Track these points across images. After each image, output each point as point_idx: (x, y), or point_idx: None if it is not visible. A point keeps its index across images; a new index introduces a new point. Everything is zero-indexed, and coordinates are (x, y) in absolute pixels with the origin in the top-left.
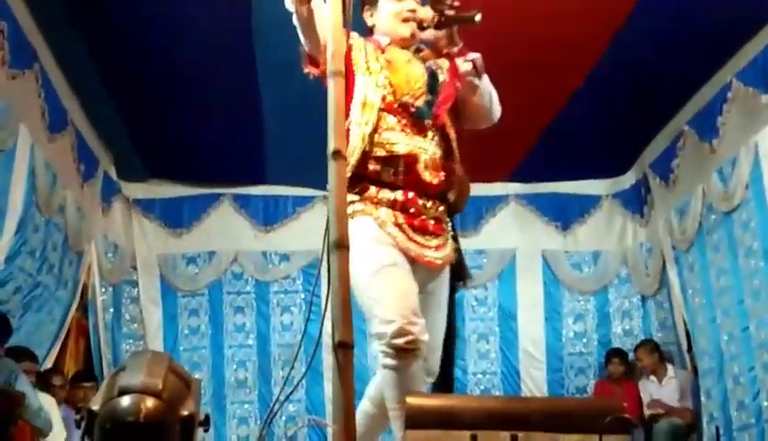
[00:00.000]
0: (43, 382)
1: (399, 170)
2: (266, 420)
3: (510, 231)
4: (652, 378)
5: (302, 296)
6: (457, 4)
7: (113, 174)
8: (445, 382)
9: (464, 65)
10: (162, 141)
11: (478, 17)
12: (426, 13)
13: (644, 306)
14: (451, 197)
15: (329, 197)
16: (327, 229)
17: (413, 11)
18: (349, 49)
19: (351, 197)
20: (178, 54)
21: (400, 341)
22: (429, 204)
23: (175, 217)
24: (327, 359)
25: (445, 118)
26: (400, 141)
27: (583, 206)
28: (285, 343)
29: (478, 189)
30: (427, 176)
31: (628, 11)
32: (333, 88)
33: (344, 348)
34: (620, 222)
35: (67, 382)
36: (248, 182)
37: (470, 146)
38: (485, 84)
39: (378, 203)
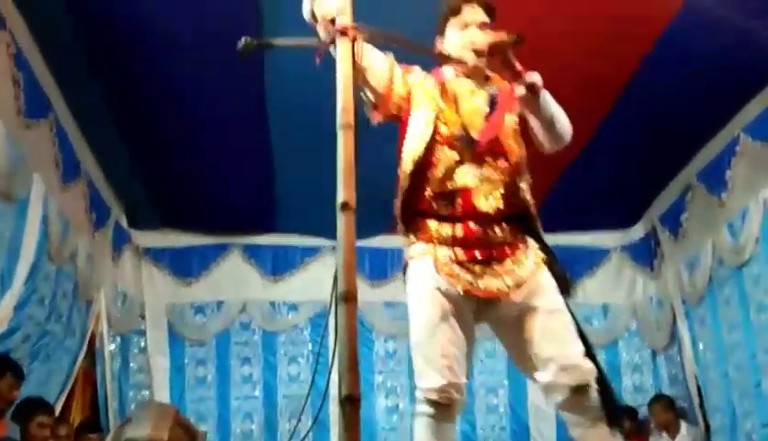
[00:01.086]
0: (51, 433)
1: (456, 202)
2: None
3: None
4: (664, 435)
5: (310, 346)
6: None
7: (124, 222)
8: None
9: (519, 89)
10: (172, 190)
11: (518, 39)
12: (480, 39)
13: (654, 361)
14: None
15: (337, 248)
16: (335, 280)
17: (473, 41)
18: (409, 88)
19: (410, 238)
20: (190, 104)
21: (433, 396)
22: (493, 231)
23: (185, 266)
24: (334, 412)
25: (504, 145)
26: (457, 172)
27: (593, 258)
28: (291, 394)
29: None
30: (483, 205)
31: (637, 66)
32: (343, 140)
33: (350, 401)
34: (630, 275)
35: (73, 432)
36: (257, 231)
37: None
38: (545, 105)
39: (437, 240)
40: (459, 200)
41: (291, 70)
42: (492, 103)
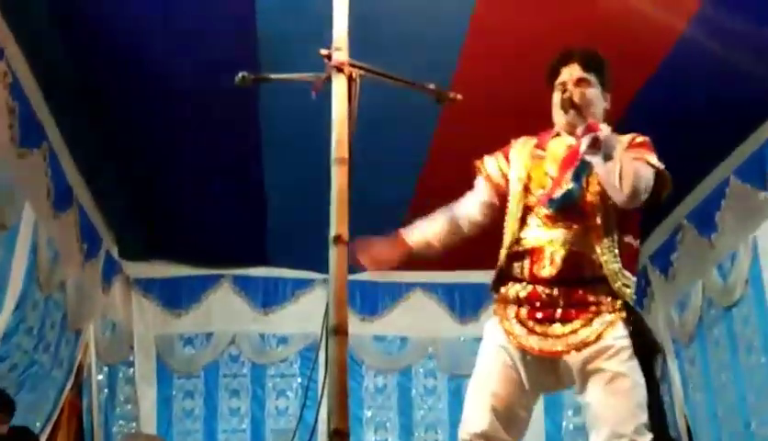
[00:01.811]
0: None
1: (524, 264)
2: None
3: None
4: None
5: (299, 380)
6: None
7: (115, 253)
8: None
9: (583, 144)
10: (164, 221)
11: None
12: (575, 95)
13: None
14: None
15: (329, 281)
16: (326, 314)
17: (569, 98)
18: (507, 149)
19: (494, 297)
20: (184, 136)
21: (465, 437)
22: (559, 293)
23: (175, 297)
24: None
25: (582, 206)
26: (534, 234)
27: None
28: (279, 428)
29: (475, 277)
30: (541, 271)
31: (626, 105)
32: (337, 174)
33: (339, 436)
34: None
35: None
36: (248, 263)
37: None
38: (610, 162)
39: (507, 300)
40: (527, 262)
41: (286, 104)
42: (583, 163)
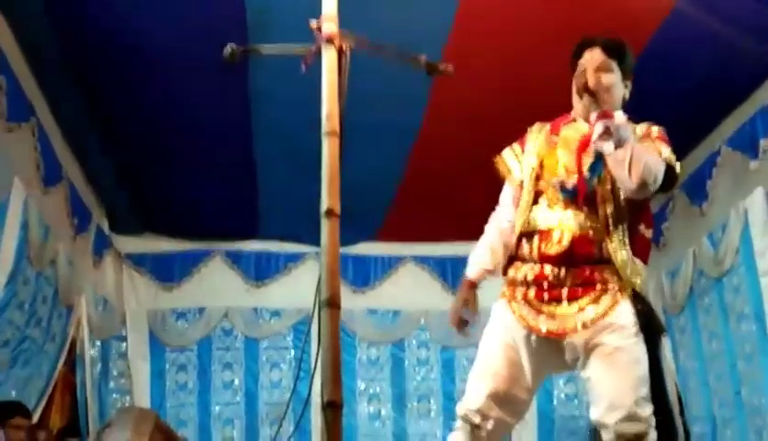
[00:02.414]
0: (29, 437)
1: (533, 244)
2: None
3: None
4: None
5: (292, 353)
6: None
7: (105, 228)
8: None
9: (595, 131)
10: (155, 196)
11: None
12: (590, 81)
13: None
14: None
15: (321, 254)
16: (319, 287)
17: (585, 83)
18: (524, 138)
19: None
20: (174, 109)
21: (461, 412)
22: (566, 273)
23: (166, 272)
24: (316, 419)
25: (596, 192)
26: (544, 215)
27: None
28: (273, 401)
29: (467, 249)
30: (549, 248)
31: None
32: (328, 147)
33: (332, 408)
34: None
35: (53, 437)
36: (240, 237)
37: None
38: (621, 150)
39: (515, 281)
40: (536, 242)
41: (276, 77)
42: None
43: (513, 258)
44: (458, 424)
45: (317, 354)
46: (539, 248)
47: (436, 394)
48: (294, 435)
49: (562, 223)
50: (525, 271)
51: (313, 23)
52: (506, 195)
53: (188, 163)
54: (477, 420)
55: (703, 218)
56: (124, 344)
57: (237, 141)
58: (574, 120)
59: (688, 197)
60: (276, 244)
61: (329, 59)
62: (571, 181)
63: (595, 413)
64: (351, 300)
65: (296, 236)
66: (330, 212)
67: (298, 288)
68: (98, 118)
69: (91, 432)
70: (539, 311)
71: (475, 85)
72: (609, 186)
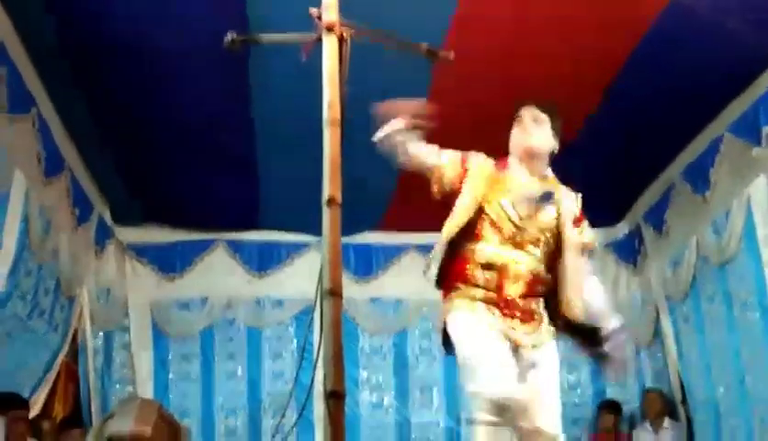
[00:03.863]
0: (32, 428)
1: (493, 276)
2: None
3: None
4: (647, 427)
5: (295, 343)
6: None
7: (107, 218)
8: None
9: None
10: (156, 187)
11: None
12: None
13: (638, 357)
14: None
15: (322, 244)
16: (320, 276)
17: (525, 130)
18: (463, 170)
19: (450, 297)
20: (175, 100)
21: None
22: (518, 302)
23: (169, 262)
24: (318, 408)
25: (541, 238)
26: (496, 251)
27: None
28: (276, 391)
29: None
30: (510, 290)
31: (621, 64)
32: (329, 136)
33: (335, 398)
34: (613, 272)
35: (56, 427)
36: (242, 227)
37: None
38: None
39: (473, 298)
40: (495, 275)
41: (276, 66)
42: (545, 198)
43: (461, 279)
44: (487, 417)
45: (319, 343)
46: (499, 283)
47: (439, 384)
48: (297, 424)
49: (518, 262)
50: (483, 295)
51: (314, 11)
52: (450, 156)
53: (190, 153)
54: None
55: (705, 205)
56: (127, 335)
57: (238, 131)
58: (514, 166)
59: (690, 184)
60: (277, 234)
61: (329, 47)
62: (523, 219)
63: (522, 428)
64: (353, 290)
65: (298, 226)
66: (331, 201)
67: (300, 277)
68: (99, 109)
69: (94, 422)
70: (506, 324)
71: (475, 76)
72: (552, 236)
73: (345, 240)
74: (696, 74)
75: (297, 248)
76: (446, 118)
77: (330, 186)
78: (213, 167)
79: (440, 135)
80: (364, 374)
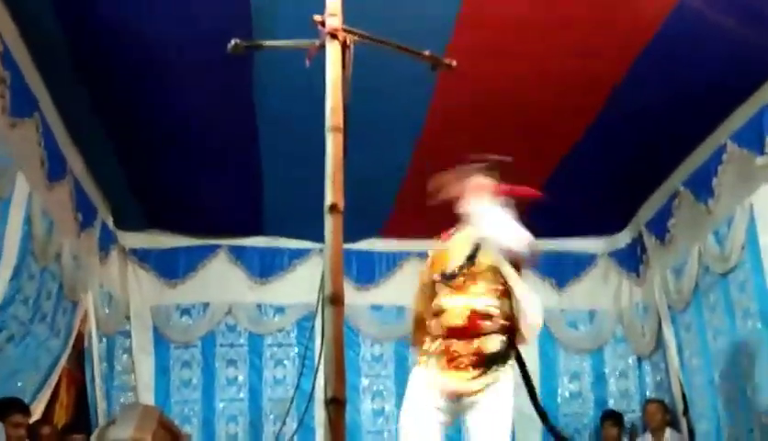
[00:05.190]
0: (32, 433)
1: (439, 321)
2: None
3: None
4: (648, 438)
5: (296, 349)
6: None
7: (110, 223)
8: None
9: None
10: (159, 192)
11: None
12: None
13: (640, 366)
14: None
15: (325, 250)
16: (322, 283)
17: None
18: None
19: (418, 349)
20: (178, 106)
21: None
22: (463, 346)
23: (171, 267)
24: (319, 415)
25: (477, 280)
26: (443, 300)
27: (579, 264)
28: (277, 397)
29: None
30: (453, 321)
31: (624, 72)
32: (332, 143)
33: (336, 404)
34: (616, 281)
35: (56, 433)
36: (244, 233)
37: None
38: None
39: (428, 352)
40: (441, 320)
41: (280, 72)
42: (472, 256)
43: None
44: None
45: (320, 350)
46: (442, 324)
47: None
48: (298, 431)
49: (455, 304)
50: (434, 345)
51: (317, 17)
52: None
53: (193, 159)
54: None
55: (708, 214)
56: (129, 341)
57: (242, 138)
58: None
59: (693, 193)
60: (280, 241)
61: (333, 53)
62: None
63: None
64: (355, 297)
65: (300, 232)
66: (333, 208)
67: (302, 284)
68: (103, 113)
69: (100, 427)
70: (446, 374)
71: (478, 82)
72: (491, 276)
73: (347, 247)
74: (700, 83)
75: (299, 255)
76: (451, 119)
77: (332, 192)
78: (216, 173)
79: (444, 136)
80: (365, 381)
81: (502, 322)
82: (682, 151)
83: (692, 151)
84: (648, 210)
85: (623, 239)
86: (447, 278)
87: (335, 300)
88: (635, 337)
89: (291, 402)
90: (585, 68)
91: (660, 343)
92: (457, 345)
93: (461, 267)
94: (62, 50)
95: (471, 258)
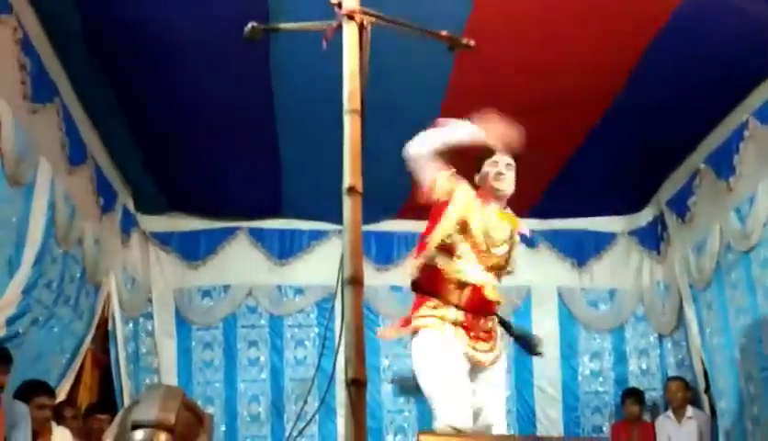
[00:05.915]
0: (57, 414)
1: (464, 293)
2: None
3: (525, 267)
4: (670, 415)
5: (316, 330)
6: None
7: (131, 207)
8: None
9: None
10: (179, 175)
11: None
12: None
13: (661, 345)
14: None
15: (343, 232)
16: (341, 264)
17: (500, 173)
18: (452, 190)
19: (425, 306)
20: (197, 88)
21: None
22: (483, 321)
23: (192, 250)
24: (340, 395)
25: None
26: (476, 273)
27: (600, 243)
28: (298, 377)
29: None
30: (479, 309)
31: (644, 50)
32: (350, 125)
33: (357, 385)
34: (637, 260)
35: (80, 414)
36: (264, 215)
37: None
38: None
39: (447, 320)
40: (469, 293)
41: (297, 55)
42: (512, 235)
43: (435, 293)
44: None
45: (341, 331)
46: (470, 299)
47: None
48: (319, 411)
49: (487, 282)
50: (455, 315)
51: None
52: (446, 173)
53: (212, 143)
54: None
55: (730, 192)
56: (150, 322)
57: (260, 121)
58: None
59: (715, 171)
60: (299, 222)
61: (350, 35)
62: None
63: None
64: (374, 277)
65: (319, 214)
66: (352, 190)
67: (321, 265)
68: (122, 98)
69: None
70: (470, 345)
71: (497, 62)
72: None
73: (366, 228)
74: (721, 59)
75: (318, 236)
76: (469, 100)
77: (350, 174)
78: (235, 156)
79: (462, 117)
80: (385, 361)
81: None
82: (703, 128)
83: (713, 128)
84: (669, 189)
85: (644, 217)
86: (488, 256)
87: (355, 281)
88: (656, 316)
89: (312, 382)
90: (605, 48)
91: (681, 321)
92: (474, 319)
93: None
94: (80, 35)
95: (511, 237)
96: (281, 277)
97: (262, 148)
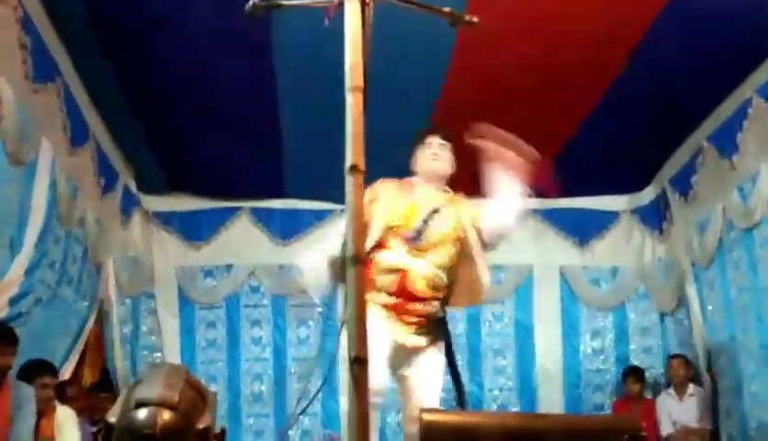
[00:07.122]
0: (59, 393)
1: (394, 280)
2: (283, 433)
3: (527, 246)
4: (671, 392)
5: (319, 309)
6: None
7: (133, 187)
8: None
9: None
10: (181, 155)
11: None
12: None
13: (662, 323)
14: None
15: (346, 211)
16: (344, 244)
17: (435, 154)
18: (371, 197)
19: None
20: (198, 68)
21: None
22: (413, 306)
23: (194, 230)
24: (342, 374)
25: (441, 249)
26: (401, 259)
27: (602, 221)
28: (301, 356)
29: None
30: (416, 287)
31: (647, 27)
32: (352, 102)
33: (359, 363)
34: (639, 238)
35: (83, 393)
36: (267, 195)
37: None
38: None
39: (378, 304)
40: (397, 278)
41: (299, 33)
42: (435, 211)
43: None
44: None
45: (343, 310)
46: (398, 284)
47: (462, 349)
48: (322, 390)
49: (415, 266)
50: (385, 300)
51: None
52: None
53: (214, 122)
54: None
55: (732, 170)
56: (153, 302)
57: (262, 100)
58: (426, 182)
59: (717, 149)
60: (301, 202)
61: (352, 11)
62: (413, 231)
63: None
64: None
65: (321, 194)
66: (354, 168)
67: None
68: (124, 78)
69: (120, 388)
70: (399, 328)
71: (498, 43)
72: (452, 245)
73: None
74: (724, 36)
75: (321, 216)
76: (471, 80)
77: (353, 153)
78: (237, 135)
79: (464, 97)
80: None
81: (443, 290)
82: (706, 106)
83: (716, 106)
84: (671, 167)
85: (646, 196)
86: (414, 240)
87: (357, 261)
88: (657, 294)
89: (315, 361)
90: (607, 25)
91: (682, 299)
92: (405, 304)
93: (419, 232)
94: (81, 15)
95: (426, 222)
96: (283, 256)
97: (264, 127)
